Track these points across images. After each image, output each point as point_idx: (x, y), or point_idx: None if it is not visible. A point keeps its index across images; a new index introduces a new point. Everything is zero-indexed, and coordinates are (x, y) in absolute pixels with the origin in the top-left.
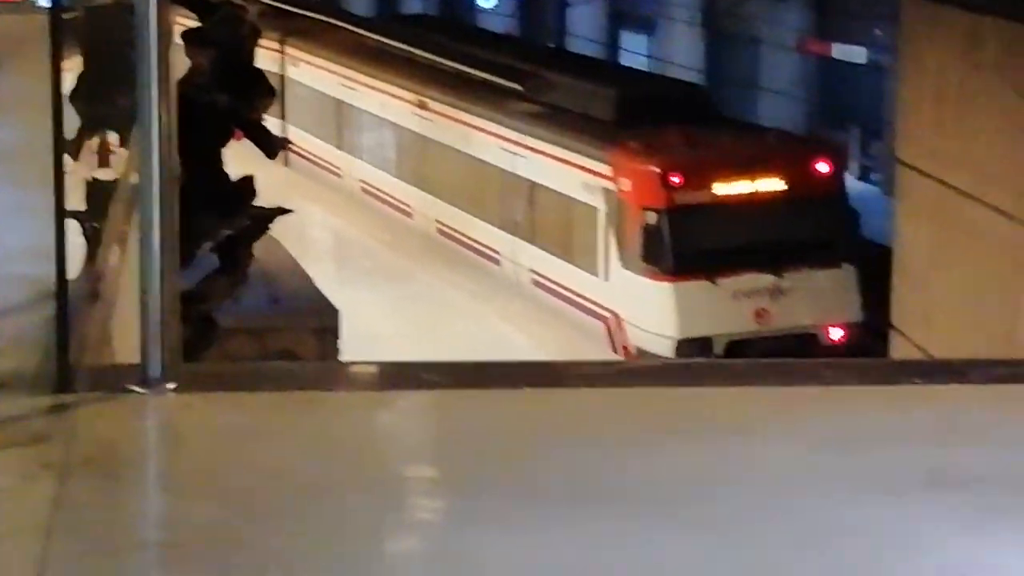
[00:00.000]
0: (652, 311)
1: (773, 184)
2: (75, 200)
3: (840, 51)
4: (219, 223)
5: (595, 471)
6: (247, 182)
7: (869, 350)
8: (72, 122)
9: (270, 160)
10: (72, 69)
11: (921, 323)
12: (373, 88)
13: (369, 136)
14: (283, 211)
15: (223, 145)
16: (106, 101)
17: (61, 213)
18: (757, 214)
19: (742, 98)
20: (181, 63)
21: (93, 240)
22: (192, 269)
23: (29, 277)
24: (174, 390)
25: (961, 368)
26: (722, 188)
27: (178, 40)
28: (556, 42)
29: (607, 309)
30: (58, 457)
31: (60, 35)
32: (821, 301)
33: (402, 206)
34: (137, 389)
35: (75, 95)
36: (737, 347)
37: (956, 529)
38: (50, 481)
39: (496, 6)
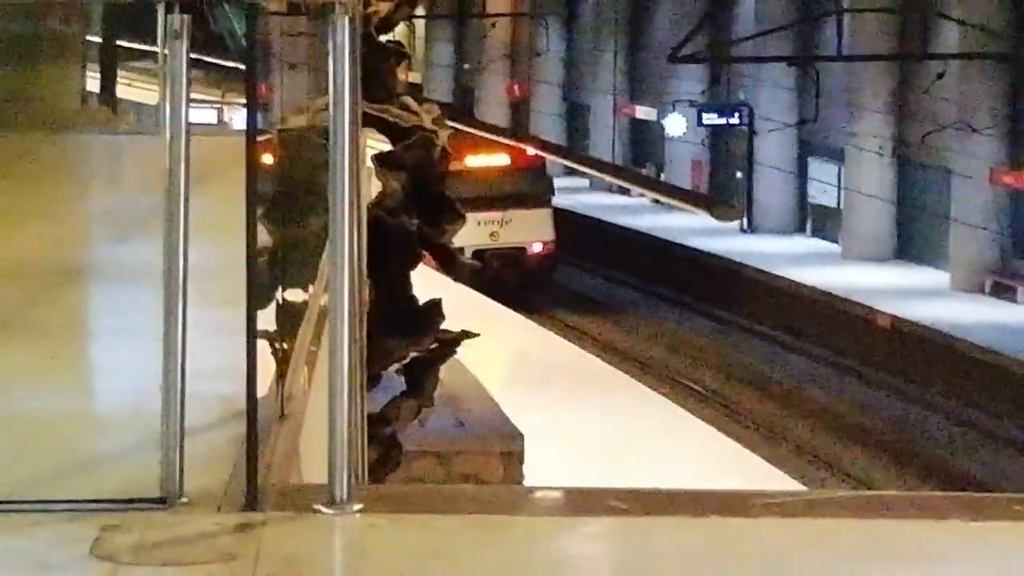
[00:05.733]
0: None
1: (502, 159)
2: (265, 320)
3: None
4: (406, 345)
5: None
6: (435, 305)
7: (552, 258)
8: (263, 243)
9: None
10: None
11: None
12: None
13: None
14: (469, 335)
15: (412, 268)
16: (297, 223)
17: (252, 333)
18: (493, 176)
19: (931, 227)
20: (373, 186)
21: (282, 360)
22: (378, 391)
23: (219, 396)
24: (360, 511)
25: None
26: (472, 160)
27: (369, 163)
28: (745, 171)
29: None
30: (246, 575)
31: (255, 157)
32: (529, 228)
33: None
34: (323, 509)
35: (266, 217)
36: (478, 253)
37: None
38: None
39: (684, 135)
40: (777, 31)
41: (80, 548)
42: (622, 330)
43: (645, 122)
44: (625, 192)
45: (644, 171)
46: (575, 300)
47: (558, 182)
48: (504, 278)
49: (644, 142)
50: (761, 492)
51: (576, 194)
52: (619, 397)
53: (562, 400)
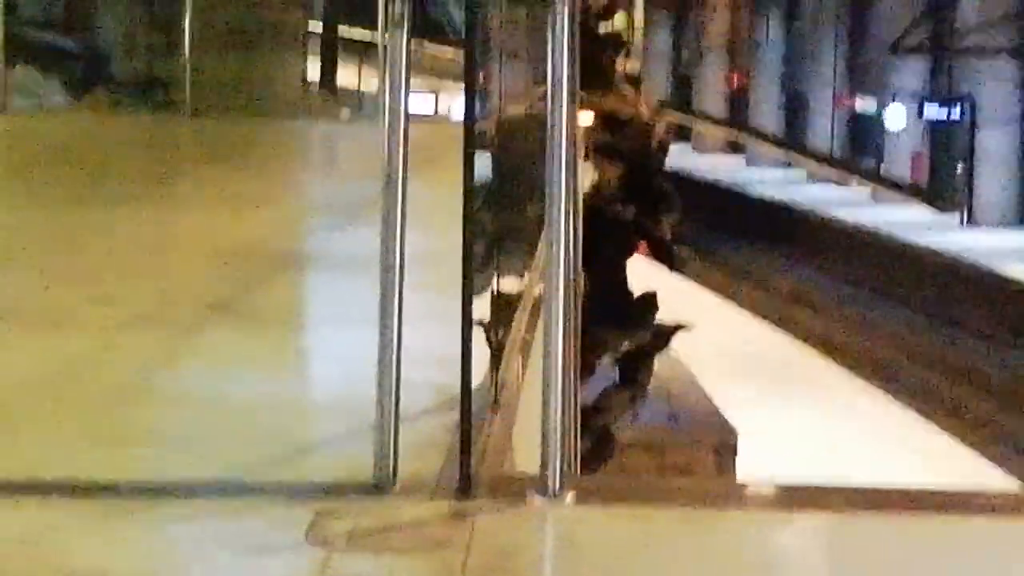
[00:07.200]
0: None
1: None
2: (480, 309)
3: None
4: (620, 337)
5: None
6: (650, 297)
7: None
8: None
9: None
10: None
11: None
12: None
13: None
14: (684, 327)
15: (627, 258)
16: (513, 211)
17: (467, 321)
18: None
19: None
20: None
21: (496, 349)
22: (592, 382)
23: (433, 383)
24: (572, 501)
25: None
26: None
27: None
28: (966, 165)
29: None
30: (457, 563)
31: (472, 146)
32: None
33: None
34: (536, 499)
35: (483, 205)
36: None
37: None
38: None
39: (904, 127)
40: (1002, 22)
41: (295, 533)
42: (837, 324)
43: (864, 114)
44: (843, 184)
45: (862, 164)
46: (789, 294)
47: (774, 173)
48: None
49: (863, 134)
50: (981, 491)
51: (794, 186)
52: (835, 392)
53: (777, 393)
